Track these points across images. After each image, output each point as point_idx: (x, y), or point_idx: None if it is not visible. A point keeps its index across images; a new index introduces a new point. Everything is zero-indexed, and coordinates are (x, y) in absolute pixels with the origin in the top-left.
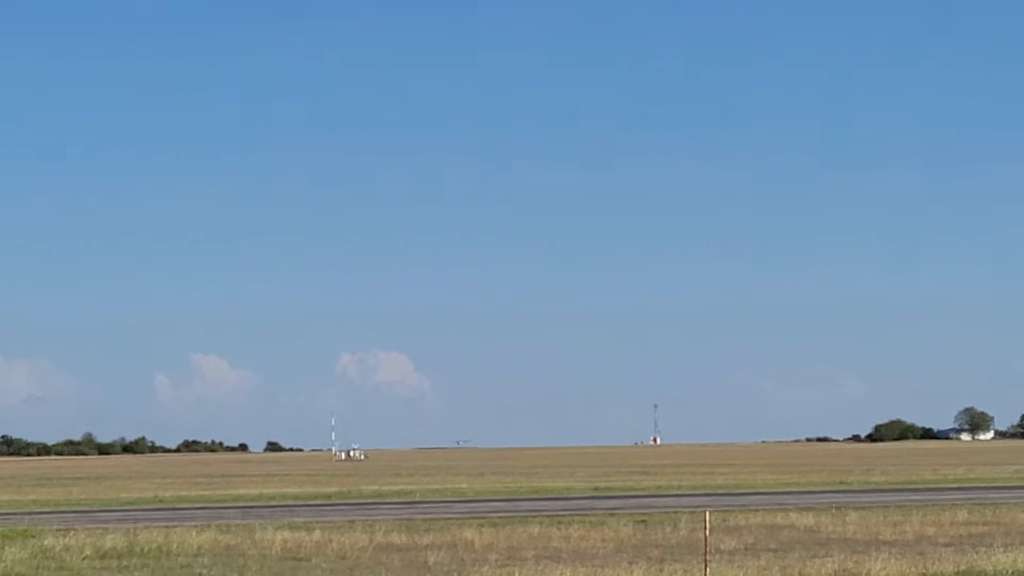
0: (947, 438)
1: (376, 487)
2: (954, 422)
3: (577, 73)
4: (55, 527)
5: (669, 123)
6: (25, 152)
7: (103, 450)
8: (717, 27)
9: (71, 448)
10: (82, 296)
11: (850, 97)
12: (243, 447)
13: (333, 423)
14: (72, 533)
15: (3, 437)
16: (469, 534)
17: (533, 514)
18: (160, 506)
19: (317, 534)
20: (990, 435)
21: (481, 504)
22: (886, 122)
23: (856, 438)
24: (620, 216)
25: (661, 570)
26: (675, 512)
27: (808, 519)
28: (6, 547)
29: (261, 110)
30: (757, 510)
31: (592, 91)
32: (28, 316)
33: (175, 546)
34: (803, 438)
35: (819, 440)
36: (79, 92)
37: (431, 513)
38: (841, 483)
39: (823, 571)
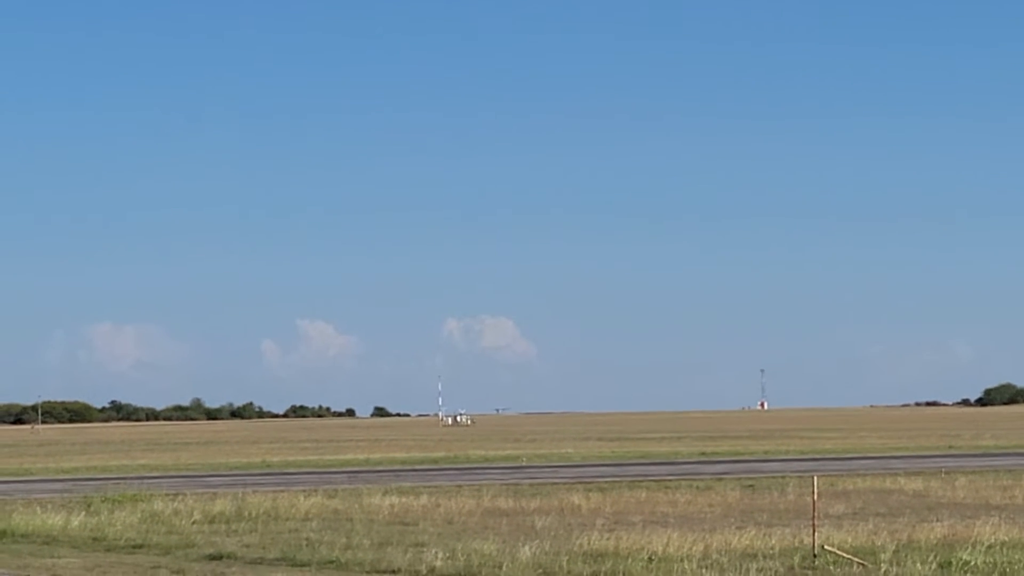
0: None
1: (483, 452)
2: None
3: (685, 47)
4: (164, 492)
5: (771, 99)
6: (132, 124)
7: (211, 415)
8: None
9: (180, 413)
10: (190, 263)
11: (970, 66)
12: (350, 412)
13: (440, 388)
14: (181, 498)
15: (113, 403)
16: (576, 499)
17: (640, 479)
18: (268, 471)
19: (424, 499)
20: None
21: (588, 469)
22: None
23: (966, 402)
24: (725, 187)
25: (769, 535)
26: (783, 477)
27: (917, 484)
28: (116, 511)
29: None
30: (865, 475)
31: (710, 64)
32: (137, 283)
33: (283, 511)
34: (912, 402)
35: (928, 404)
36: (202, 67)
37: (538, 478)
38: (950, 447)
39: (932, 536)
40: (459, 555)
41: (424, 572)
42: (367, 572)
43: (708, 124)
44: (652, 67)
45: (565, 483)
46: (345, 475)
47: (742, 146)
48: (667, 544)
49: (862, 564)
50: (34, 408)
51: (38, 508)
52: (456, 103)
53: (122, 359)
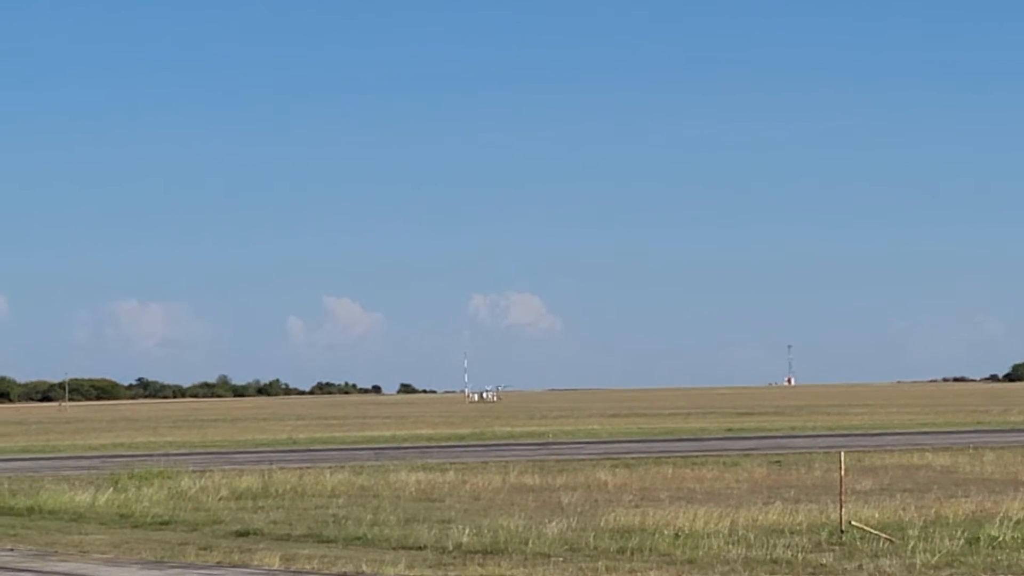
0: None
1: (509, 428)
2: None
3: (712, 23)
4: (191, 469)
5: (793, 74)
6: (156, 102)
7: (238, 392)
8: None
9: (206, 390)
10: (216, 240)
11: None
12: (376, 389)
13: (465, 365)
14: (208, 474)
15: (139, 380)
16: (602, 475)
17: (666, 455)
18: (294, 448)
19: (451, 475)
20: None
21: (614, 445)
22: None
23: (994, 378)
24: (749, 161)
25: (796, 511)
26: (809, 453)
27: (945, 459)
28: (143, 488)
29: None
30: (893, 450)
31: (730, 42)
32: (163, 261)
33: (309, 487)
34: (939, 378)
35: (956, 380)
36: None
37: (564, 454)
38: (978, 423)
39: (960, 511)
40: (485, 531)
41: (451, 548)
42: (394, 548)
43: (730, 100)
44: (675, 44)
45: (591, 459)
46: (371, 452)
47: (767, 120)
48: (694, 520)
49: (889, 540)
50: (61, 385)
51: (66, 485)
52: (481, 79)
53: (148, 336)
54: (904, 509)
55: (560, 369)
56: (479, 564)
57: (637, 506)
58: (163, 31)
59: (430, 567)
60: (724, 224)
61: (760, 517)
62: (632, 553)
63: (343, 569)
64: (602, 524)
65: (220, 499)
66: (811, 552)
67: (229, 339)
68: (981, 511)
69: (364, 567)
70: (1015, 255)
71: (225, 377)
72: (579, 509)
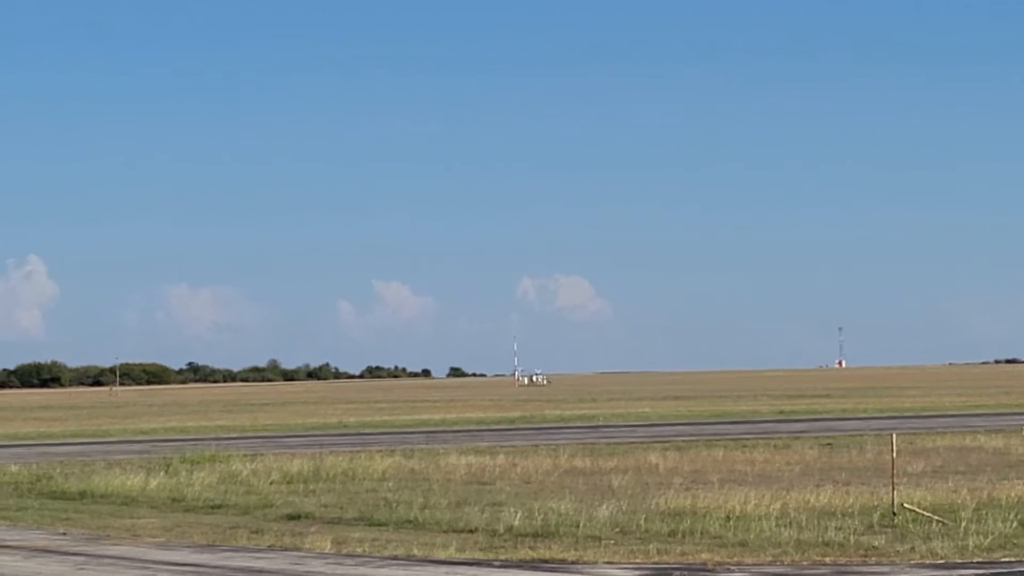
0: None
1: (559, 412)
2: None
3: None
4: (242, 452)
5: (846, 52)
6: (204, 84)
7: (288, 376)
8: None
9: (256, 374)
10: (266, 224)
11: None
12: (426, 373)
13: (515, 348)
14: (259, 458)
15: (190, 364)
16: (653, 458)
17: (717, 438)
18: (345, 432)
19: (501, 458)
20: None
21: (665, 428)
22: None
23: None
24: (798, 142)
25: (847, 493)
26: (861, 435)
27: (997, 441)
28: (195, 472)
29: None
30: (945, 433)
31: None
32: (213, 245)
33: (360, 471)
34: (991, 360)
35: (1008, 361)
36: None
37: (614, 437)
38: None
39: (1012, 494)
40: (536, 514)
41: (502, 531)
42: (444, 531)
43: (777, 80)
44: (719, 25)
45: (642, 442)
46: (422, 435)
47: (818, 100)
48: (745, 503)
49: (942, 522)
50: (112, 370)
51: (117, 469)
52: (527, 61)
53: (199, 321)
54: (956, 491)
55: (609, 352)
56: (530, 547)
57: (688, 489)
58: (212, 8)
59: (481, 550)
60: (774, 206)
61: (811, 499)
62: (683, 536)
63: (394, 552)
64: (653, 507)
65: (271, 483)
66: (863, 535)
67: (279, 323)
68: None
69: (415, 550)
70: None
71: (275, 361)
72: (630, 492)
